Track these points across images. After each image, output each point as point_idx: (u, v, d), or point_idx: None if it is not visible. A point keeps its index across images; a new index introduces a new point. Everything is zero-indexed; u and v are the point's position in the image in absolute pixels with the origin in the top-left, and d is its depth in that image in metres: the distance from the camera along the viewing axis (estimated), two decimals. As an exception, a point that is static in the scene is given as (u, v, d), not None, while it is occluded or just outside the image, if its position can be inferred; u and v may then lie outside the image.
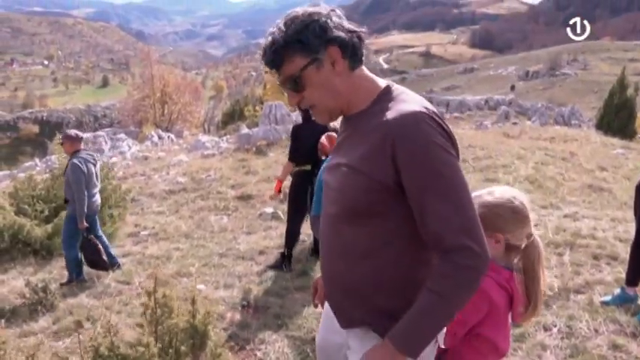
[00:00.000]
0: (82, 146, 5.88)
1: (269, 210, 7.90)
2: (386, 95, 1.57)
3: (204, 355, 2.07)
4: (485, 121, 22.98)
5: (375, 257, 1.56)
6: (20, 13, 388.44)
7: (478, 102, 31.20)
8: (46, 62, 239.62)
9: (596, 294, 4.38)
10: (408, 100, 1.52)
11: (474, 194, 1.89)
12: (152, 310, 2.03)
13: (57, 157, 9.78)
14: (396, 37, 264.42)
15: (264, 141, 13.73)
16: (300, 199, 5.62)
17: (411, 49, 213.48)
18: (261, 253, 6.21)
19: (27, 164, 18.30)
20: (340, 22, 1.53)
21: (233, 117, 26.89)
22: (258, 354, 3.89)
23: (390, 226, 1.53)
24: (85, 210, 5.59)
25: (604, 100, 20.55)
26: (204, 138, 18.18)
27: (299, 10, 1.54)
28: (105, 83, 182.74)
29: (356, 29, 1.55)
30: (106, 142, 19.38)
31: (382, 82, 1.62)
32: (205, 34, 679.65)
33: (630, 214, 5.97)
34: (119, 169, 12.51)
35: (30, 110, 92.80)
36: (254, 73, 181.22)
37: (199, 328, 2.01)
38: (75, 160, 5.63)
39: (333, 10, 1.55)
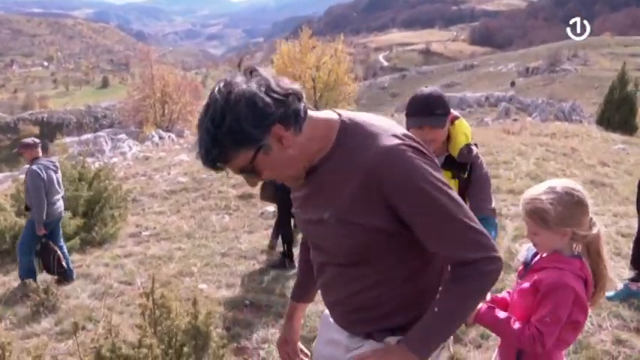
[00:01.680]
0: (41, 153, 5.79)
1: (270, 209, 7.89)
2: (346, 132, 1.45)
3: (207, 356, 2.07)
4: (486, 118, 23.00)
5: (381, 287, 1.54)
6: (19, 14, 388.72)
7: (478, 99, 31.21)
8: (45, 63, 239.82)
9: (600, 289, 4.36)
10: (376, 132, 1.43)
11: (533, 192, 1.94)
12: (151, 311, 2.02)
13: (57, 159, 9.78)
14: (396, 35, 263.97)
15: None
16: (289, 200, 5.59)
17: (410, 47, 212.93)
18: (262, 252, 6.20)
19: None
20: (269, 87, 1.33)
21: (233, 116, 26.88)
22: (261, 353, 3.89)
23: (392, 261, 1.51)
24: (44, 217, 5.51)
25: (604, 95, 20.53)
26: (204, 137, 18.13)
27: (217, 95, 1.32)
28: (105, 84, 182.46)
29: (289, 90, 1.36)
30: (106, 143, 19.41)
31: (333, 119, 1.49)
32: (205, 34, 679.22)
33: (632, 209, 5.96)
34: (120, 169, 12.51)
35: (30, 112, 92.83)
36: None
37: (201, 329, 2.00)
38: (34, 167, 5.55)
39: (253, 73, 1.35)
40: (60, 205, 5.86)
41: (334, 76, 31.03)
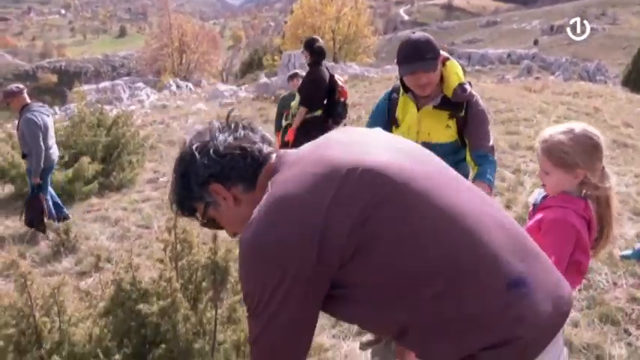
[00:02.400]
0: (28, 99, 5.59)
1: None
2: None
3: (225, 291, 2.11)
4: (507, 75, 22.55)
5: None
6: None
7: (500, 55, 30.59)
8: (63, 11, 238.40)
9: (617, 248, 4.33)
10: (256, 214, 1.20)
11: (551, 130, 1.95)
12: (172, 246, 2.05)
13: (76, 106, 9.83)
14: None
15: (283, 90, 13.61)
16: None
17: (432, 1, 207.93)
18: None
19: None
20: (215, 146, 1.29)
21: (252, 66, 26.79)
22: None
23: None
24: (42, 165, 5.40)
25: (632, 56, 19.95)
26: (222, 87, 18.10)
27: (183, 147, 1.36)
28: (122, 33, 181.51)
29: (233, 147, 1.29)
30: (124, 91, 19.42)
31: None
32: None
33: (655, 169, 5.88)
34: (138, 117, 12.53)
35: (48, 60, 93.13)
36: (272, 23, 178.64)
37: (220, 264, 2.03)
38: (28, 115, 5.39)
39: (213, 129, 1.34)
40: (55, 149, 5.78)
41: (354, 28, 30.50)
